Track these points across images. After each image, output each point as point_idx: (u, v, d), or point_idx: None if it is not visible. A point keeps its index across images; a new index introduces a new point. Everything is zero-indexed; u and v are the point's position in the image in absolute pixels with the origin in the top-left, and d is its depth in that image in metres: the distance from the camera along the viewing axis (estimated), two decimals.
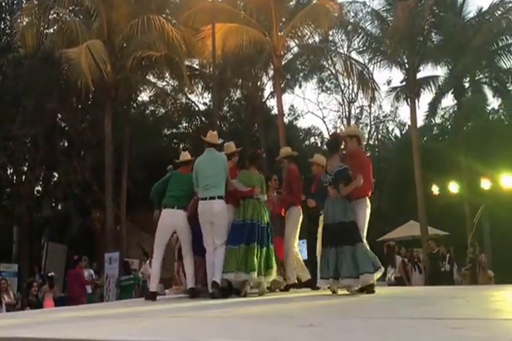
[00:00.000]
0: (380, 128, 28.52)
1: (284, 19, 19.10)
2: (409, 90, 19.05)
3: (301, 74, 24.10)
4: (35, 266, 16.86)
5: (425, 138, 24.74)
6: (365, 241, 6.17)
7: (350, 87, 25.64)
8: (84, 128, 18.89)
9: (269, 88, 23.75)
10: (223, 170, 6.42)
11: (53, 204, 20.32)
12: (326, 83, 26.09)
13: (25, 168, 19.22)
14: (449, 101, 21.05)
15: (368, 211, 6.30)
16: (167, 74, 20.21)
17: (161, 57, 16.40)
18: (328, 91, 26.66)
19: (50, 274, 12.73)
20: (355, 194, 6.20)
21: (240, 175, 6.68)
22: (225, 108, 24.17)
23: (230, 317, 4.34)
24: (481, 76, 20.40)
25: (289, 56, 20.74)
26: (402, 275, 13.20)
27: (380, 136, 28.78)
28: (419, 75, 19.57)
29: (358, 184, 6.05)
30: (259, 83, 22.82)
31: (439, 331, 3.08)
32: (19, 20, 16.11)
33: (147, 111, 24.33)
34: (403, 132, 28.32)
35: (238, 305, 5.37)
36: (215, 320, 4.18)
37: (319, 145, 27.53)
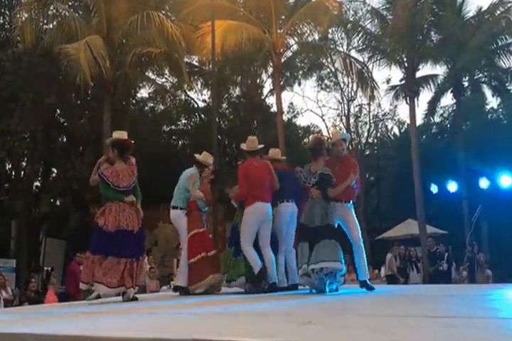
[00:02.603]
0: (379, 126, 28.48)
1: (283, 17, 19.08)
2: (409, 89, 19.08)
3: (301, 72, 24.03)
4: (31, 262, 16.86)
5: (424, 137, 24.77)
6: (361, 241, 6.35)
7: (350, 85, 25.63)
8: (83, 124, 18.84)
9: (268, 85, 23.75)
10: (181, 185, 6.96)
11: (52, 200, 20.27)
12: (326, 81, 26.01)
13: (24, 163, 19.19)
14: (448, 100, 21.13)
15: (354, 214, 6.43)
16: (166, 71, 20.14)
17: (160, 53, 16.34)
18: (328, 90, 26.58)
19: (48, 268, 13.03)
20: (345, 196, 6.31)
21: None
22: (224, 105, 24.13)
23: (229, 315, 4.33)
24: (481, 75, 20.46)
25: (289, 54, 20.72)
26: (394, 273, 13.23)
27: (379, 135, 28.76)
28: (418, 74, 19.66)
29: (349, 183, 6.17)
30: (258, 80, 22.80)
31: (436, 329, 3.08)
32: (18, 16, 15.99)
33: (146, 108, 24.29)
34: (402, 131, 28.32)
35: (237, 303, 5.37)
36: (214, 317, 4.17)
37: None
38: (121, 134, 6.27)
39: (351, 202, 6.42)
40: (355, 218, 6.39)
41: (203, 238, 6.77)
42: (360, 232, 6.36)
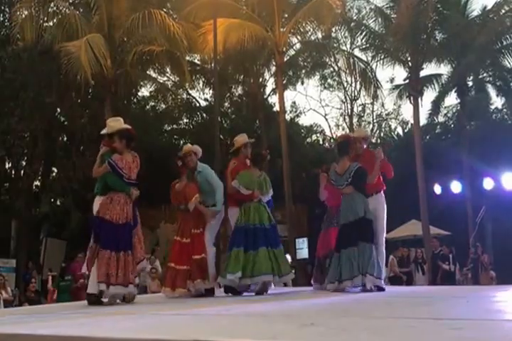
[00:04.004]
0: (383, 126, 28.36)
1: (286, 15, 18.96)
2: (412, 88, 18.90)
3: (304, 71, 23.92)
4: (28, 262, 16.77)
5: (428, 137, 24.56)
6: (383, 240, 6.23)
7: (353, 85, 25.53)
8: (84, 123, 18.76)
9: (270, 84, 23.63)
10: None
11: (52, 200, 20.20)
12: (329, 80, 25.94)
13: (24, 163, 19.13)
14: (452, 99, 20.94)
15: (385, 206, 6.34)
16: (168, 70, 20.06)
17: (161, 52, 16.27)
18: (331, 89, 26.52)
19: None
20: (373, 188, 6.25)
21: (240, 176, 6.48)
22: (226, 104, 24.03)
23: (230, 316, 4.29)
24: (485, 75, 20.28)
25: (291, 52, 20.62)
26: (396, 274, 13.13)
27: (382, 134, 28.63)
28: (422, 73, 19.47)
29: (377, 170, 6.19)
30: (260, 79, 22.66)
31: (439, 331, 3.03)
32: (18, 13, 15.91)
33: (147, 107, 24.22)
34: (406, 130, 28.11)
35: (240, 304, 5.31)
36: (215, 318, 4.14)
37: (321, 142, 27.39)
38: (121, 122, 5.90)
39: (382, 191, 6.39)
40: (385, 212, 6.31)
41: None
42: (384, 230, 6.31)
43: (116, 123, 5.87)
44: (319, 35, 20.15)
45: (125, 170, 5.61)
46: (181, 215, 6.55)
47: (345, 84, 25.86)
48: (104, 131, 5.96)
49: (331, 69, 24.77)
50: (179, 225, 6.58)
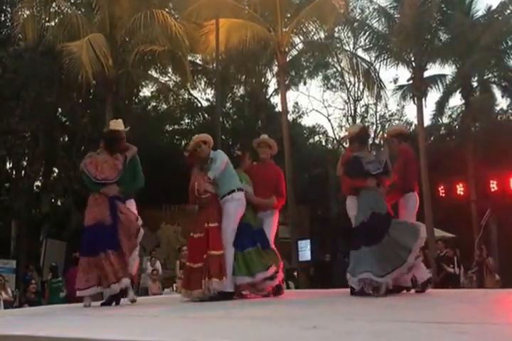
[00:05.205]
0: (386, 127, 28.21)
1: (289, 15, 18.90)
2: (416, 89, 18.80)
3: (306, 71, 23.90)
4: (29, 264, 16.68)
5: (432, 138, 24.41)
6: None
7: (356, 85, 25.41)
8: (85, 123, 18.70)
9: (273, 85, 23.61)
10: None
11: (53, 200, 20.11)
12: (332, 80, 25.87)
13: (25, 163, 19.11)
14: (456, 100, 20.83)
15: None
16: (170, 70, 20.02)
17: (163, 52, 16.28)
18: (334, 89, 26.42)
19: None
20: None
21: None
22: (228, 104, 23.98)
23: (232, 319, 4.27)
24: (490, 75, 20.18)
25: (294, 52, 20.62)
26: None
27: (385, 136, 28.45)
28: (426, 74, 19.40)
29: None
30: (263, 79, 22.67)
31: (443, 336, 2.99)
32: (20, 13, 16.02)
33: (149, 107, 24.19)
34: (409, 131, 28.01)
35: (241, 307, 5.29)
36: (216, 321, 4.12)
37: (324, 143, 27.27)
38: (116, 124, 5.95)
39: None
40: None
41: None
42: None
43: (110, 124, 6.01)
44: (322, 35, 20.06)
45: (91, 169, 5.62)
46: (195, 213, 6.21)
47: (348, 84, 25.80)
48: None
49: (334, 69, 24.73)
50: (193, 222, 6.16)
